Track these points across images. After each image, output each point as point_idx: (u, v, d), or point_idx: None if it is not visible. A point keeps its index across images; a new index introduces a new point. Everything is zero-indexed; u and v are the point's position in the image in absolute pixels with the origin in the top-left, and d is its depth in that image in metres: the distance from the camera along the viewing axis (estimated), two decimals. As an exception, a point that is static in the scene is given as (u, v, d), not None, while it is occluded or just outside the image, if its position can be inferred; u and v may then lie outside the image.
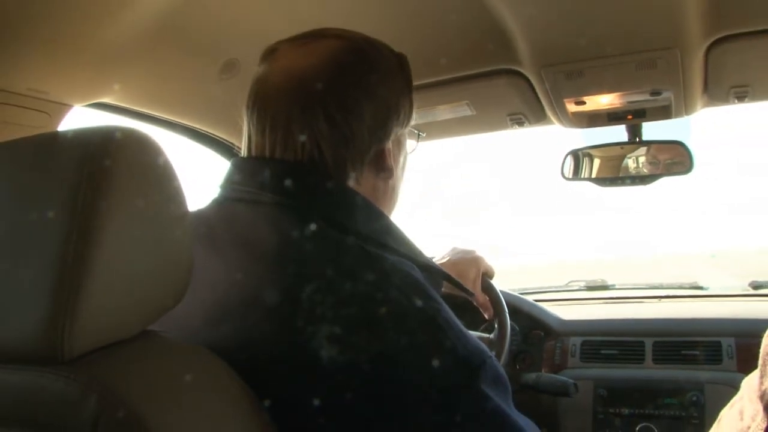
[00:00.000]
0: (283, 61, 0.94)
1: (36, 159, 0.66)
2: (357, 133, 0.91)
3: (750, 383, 0.70)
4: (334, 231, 0.84)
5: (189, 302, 0.74)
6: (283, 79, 0.92)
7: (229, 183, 0.94)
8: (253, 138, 0.93)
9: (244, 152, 0.96)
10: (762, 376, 0.65)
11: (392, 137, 0.96)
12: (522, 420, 0.80)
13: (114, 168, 0.63)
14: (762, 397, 0.65)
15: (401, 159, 1.01)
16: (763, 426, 0.64)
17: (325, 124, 0.89)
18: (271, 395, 0.73)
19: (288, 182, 0.88)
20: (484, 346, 0.81)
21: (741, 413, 0.70)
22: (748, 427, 0.66)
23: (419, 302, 0.79)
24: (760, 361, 0.66)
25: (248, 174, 0.92)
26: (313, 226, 0.84)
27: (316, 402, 0.72)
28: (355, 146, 0.91)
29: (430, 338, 0.77)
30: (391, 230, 0.91)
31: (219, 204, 0.94)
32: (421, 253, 0.93)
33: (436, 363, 0.74)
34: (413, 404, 0.73)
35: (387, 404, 0.73)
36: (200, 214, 0.92)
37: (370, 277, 0.80)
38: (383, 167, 0.95)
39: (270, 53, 0.96)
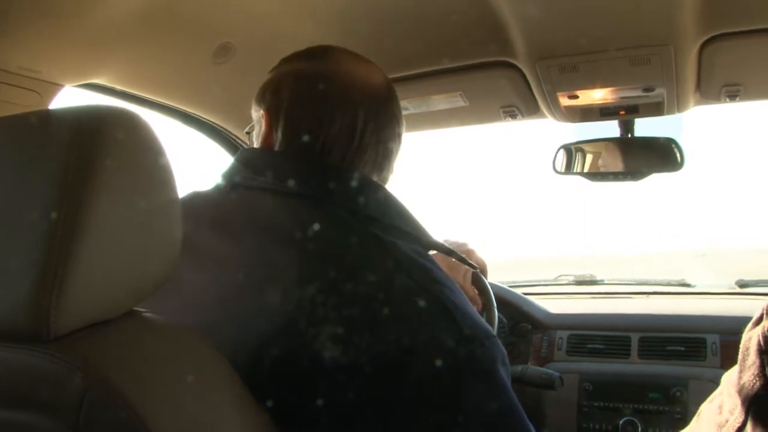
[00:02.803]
0: (345, 66, 1.00)
1: (25, 137, 0.66)
2: (393, 154, 1.01)
3: (729, 378, 0.70)
4: (351, 219, 0.88)
5: (197, 282, 0.77)
6: (348, 82, 0.98)
7: (248, 171, 0.95)
8: (300, 123, 0.96)
9: (260, 139, 1.00)
10: (741, 371, 0.66)
11: None
12: None
13: (103, 147, 0.63)
14: (740, 391, 0.65)
15: None
16: (741, 419, 0.64)
17: (374, 138, 0.97)
18: (278, 381, 0.76)
19: (311, 173, 0.92)
20: (488, 326, 0.84)
21: (720, 407, 0.70)
22: (727, 421, 0.67)
23: (429, 287, 0.82)
24: (739, 356, 0.67)
25: (272, 165, 0.94)
26: (334, 217, 0.87)
27: (329, 383, 0.75)
28: (388, 164, 1.00)
29: (438, 321, 0.79)
30: (405, 216, 0.94)
31: (231, 190, 0.96)
32: (428, 234, 0.95)
33: (443, 344, 0.77)
34: (426, 385, 0.76)
35: (402, 387, 0.75)
36: (208, 198, 0.97)
37: (385, 268, 0.83)
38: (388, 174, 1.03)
39: (323, 53, 1.02)
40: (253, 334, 0.78)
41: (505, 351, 0.84)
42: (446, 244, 1.54)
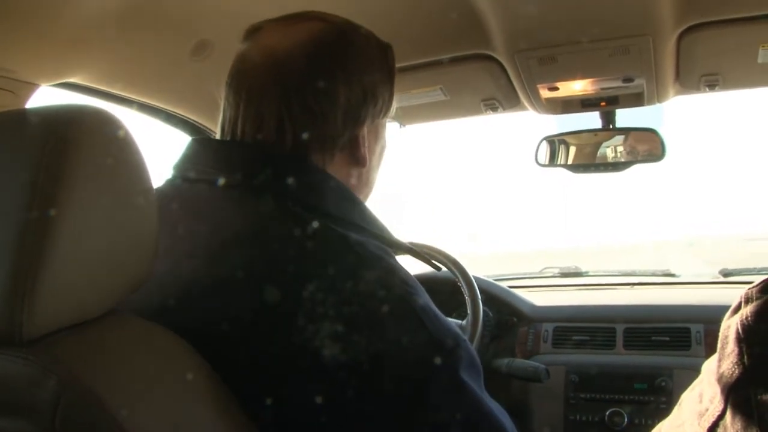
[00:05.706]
0: (265, 39, 0.93)
1: (0, 136, 0.66)
2: (329, 115, 0.90)
3: (709, 366, 0.70)
4: (305, 213, 0.83)
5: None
6: (262, 57, 0.91)
7: (192, 164, 0.92)
8: (228, 114, 0.93)
9: (218, 130, 0.95)
10: (720, 359, 0.66)
11: (367, 125, 0.95)
12: (494, 405, 0.81)
13: (76, 145, 0.63)
14: (719, 379, 0.65)
15: (377, 149, 1.00)
16: (720, 408, 0.64)
17: (297, 104, 0.89)
18: (244, 379, 0.73)
19: (256, 164, 0.87)
20: (458, 330, 0.82)
21: (700, 396, 0.70)
22: (707, 410, 0.67)
23: (394, 287, 0.79)
24: (718, 345, 0.67)
25: (215, 155, 0.91)
26: (283, 210, 0.83)
27: (295, 390, 0.72)
28: (326, 128, 0.90)
29: (403, 323, 0.77)
30: (360, 209, 0.91)
31: (179, 184, 0.92)
32: (389, 232, 0.92)
33: (409, 346, 0.75)
34: (387, 389, 0.73)
35: (363, 387, 0.73)
36: (162, 193, 0.90)
37: (345, 264, 0.79)
38: (357, 155, 0.95)
39: (254, 31, 0.96)
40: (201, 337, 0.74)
41: (474, 351, 0.81)
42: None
